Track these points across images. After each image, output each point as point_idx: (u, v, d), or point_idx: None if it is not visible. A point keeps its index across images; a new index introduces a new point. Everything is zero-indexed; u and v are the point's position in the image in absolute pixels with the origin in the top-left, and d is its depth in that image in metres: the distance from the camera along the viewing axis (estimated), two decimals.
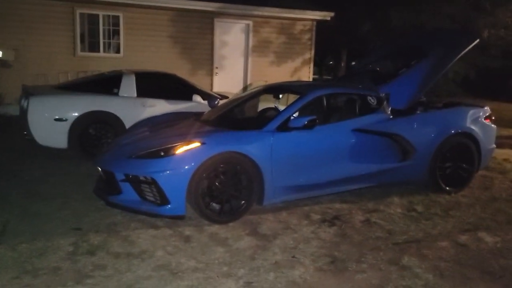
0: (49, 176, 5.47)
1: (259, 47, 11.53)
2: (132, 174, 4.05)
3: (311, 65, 12.12)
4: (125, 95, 6.59)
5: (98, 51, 10.15)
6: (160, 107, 6.68)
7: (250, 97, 5.65)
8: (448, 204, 4.96)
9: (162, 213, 3.99)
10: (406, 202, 4.96)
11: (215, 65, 11.12)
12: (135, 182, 4.04)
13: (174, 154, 3.97)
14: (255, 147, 4.20)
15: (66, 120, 6.11)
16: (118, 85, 6.62)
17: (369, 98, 5.09)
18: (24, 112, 6.17)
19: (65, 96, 6.31)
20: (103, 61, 9.99)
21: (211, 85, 11.03)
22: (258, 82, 6.78)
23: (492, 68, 17.27)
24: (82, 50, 9.99)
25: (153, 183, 3.94)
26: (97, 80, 7.03)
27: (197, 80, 10.25)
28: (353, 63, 17.42)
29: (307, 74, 12.06)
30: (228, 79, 11.21)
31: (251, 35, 11.39)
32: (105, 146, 4.99)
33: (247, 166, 4.14)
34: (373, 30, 13.90)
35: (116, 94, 6.57)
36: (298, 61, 11.95)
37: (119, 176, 4.11)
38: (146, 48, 10.40)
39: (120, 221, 4.14)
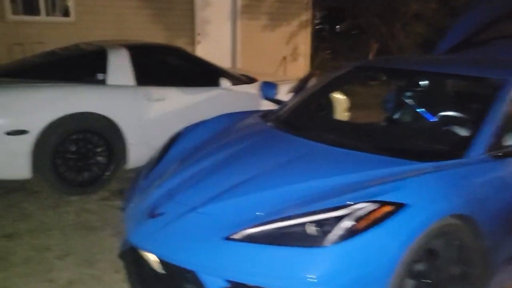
0: (14, 241, 3.02)
1: (250, 7, 9.12)
2: (248, 285, 1.84)
3: (309, 29, 9.98)
4: (117, 83, 4.11)
5: (38, 13, 7.19)
6: (172, 99, 4.32)
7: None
8: None
9: None
10: None
11: (197, 31, 8.60)
12: None
13: (350, 234, 1.80)
14: (474, 198, 2.14)
15: (27, 132, 3.57)
16: (103, 68, 4.10)
17: None
18: None
19: (20, 90, 3.70)
20: (47, 28, 7.12)
21: None
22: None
23: None
24: (15, 12, 6.99)
25: None
26: (66, 59, 4.39)
27: None
28: (338, 27, 15.52)
29: (304, 41, 9.93)
30: (213, 48, 8.77)
31: None
32: (133, 191, 2.60)
33: (468, 236, 2.09)
34: None
35: (102, 82, 4.08)
36: (294, 24, 9.73)
37: (214, 283, 1.89)
38: (106, 10, 7.61)
39: None
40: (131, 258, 2.41)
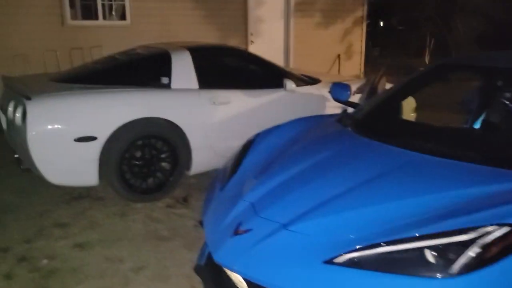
0: (86, 251, 2.95)
1: (303, 5, 8.89)
2: None
3: (364, 25, 9.62)
4: (181, 87, 4.00)
5: (96, 18, 7.29)
6: (237, 102, 4.16)
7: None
8: None
9: None
10: None
11: (249, 30, 8.46)
12: None
13: (478, 264, 1.55)
14: None
15: (95, 138, 3.52)
16: (166, 72, 4.00)
17: None
18: (17, 129, 3.54)
19: (87, 97, 3.66)
20: (103, 32, 7.19)
21: None
22: None
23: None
24: (74, 17, 7.12)
25: None
26: (130, 64, 4.31)
27: None
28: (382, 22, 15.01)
29: (359, 38, 9.58)
30: (266, 47, 8.59)
31: None
32: (209, 204, 2.44)
33: None
34: None
35: (167, 86, 3.98)
36: (348, 21, 9.41)
37: None
38: (160, 12, 7.61)
39: None
40: (211, 275, 2.26)
